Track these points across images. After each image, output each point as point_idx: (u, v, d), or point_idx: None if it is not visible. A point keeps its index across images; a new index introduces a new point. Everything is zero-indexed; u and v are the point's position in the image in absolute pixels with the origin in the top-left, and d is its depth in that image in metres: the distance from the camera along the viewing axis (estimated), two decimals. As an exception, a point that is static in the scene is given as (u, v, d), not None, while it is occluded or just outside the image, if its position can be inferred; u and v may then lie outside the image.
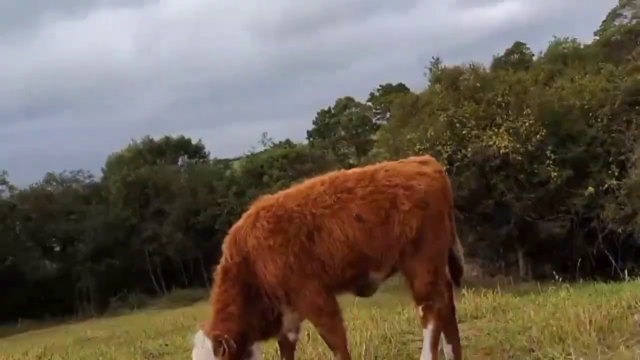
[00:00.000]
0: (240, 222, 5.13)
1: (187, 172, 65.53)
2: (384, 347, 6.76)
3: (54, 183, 64.41)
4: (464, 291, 10.62)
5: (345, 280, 5.13)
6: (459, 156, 35.83)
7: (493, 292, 10.14)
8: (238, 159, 67.85)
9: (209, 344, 4.76)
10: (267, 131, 66.42)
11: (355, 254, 4.99)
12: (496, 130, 35.71)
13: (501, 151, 35.11)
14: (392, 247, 5.07)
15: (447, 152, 35.41)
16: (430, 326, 5.18)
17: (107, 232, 56.63)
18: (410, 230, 5.04)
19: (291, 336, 5.46)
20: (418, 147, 35.00)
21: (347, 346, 5.34)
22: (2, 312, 47.85)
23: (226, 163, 68.81)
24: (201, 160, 68.37)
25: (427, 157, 5.60)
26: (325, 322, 5.16)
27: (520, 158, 35.35)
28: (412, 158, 5.62)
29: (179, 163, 68.54)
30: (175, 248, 54.88)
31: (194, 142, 68.18)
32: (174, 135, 68.05)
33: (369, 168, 5.36)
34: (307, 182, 5.31)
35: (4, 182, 60.15)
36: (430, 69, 43.61)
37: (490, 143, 35.24)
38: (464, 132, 36.20)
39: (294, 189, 5.31)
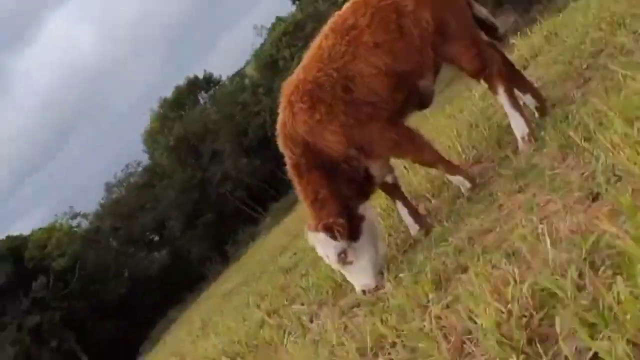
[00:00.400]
0: (280, 118, 5.08)
1: (212, 104, 65.56)
2: (475, 133, 6.72)
3: (115, 189, 66.17)
4: (512, 40, 10.39)
5: (401, 104, 5.07)
6: None
7: (538, 24, 9.83)
8: (247, 65, 67.14)
9: (322, 236, 4.79)
10: (255, 24, 65.17)
11: (394, 77, 4.92)
12: None
13: None
14: (421, 48, 4.98)
15: None
16: (500, 90, 5.13)
17: (185, 199, 58.15)
18: (427, 24, 4.94)
19: (389, 179, 5.47)
20: None
21: (441, 156, 5.34)
22: (151, 315, 50.67)
23: (239, 74, 68.36)
24: (216, 87, 68.24)
25: None
26: (408, 149, 5.16)
27: None
28: None
29: (201, 102, 68.66)
30: (247, 173, 55.87)
31: (200, 76, 68.03)
32: (181, 82, 68.05)
33: None
34: (313, 44, 5.18)
35: (76, 215, 62.13)
36: None
37: None
38: None
39: (306, 58, 5.19)
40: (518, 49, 9.17)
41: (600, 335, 2.29)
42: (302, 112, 4.92)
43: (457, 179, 5.32)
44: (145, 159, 67.95)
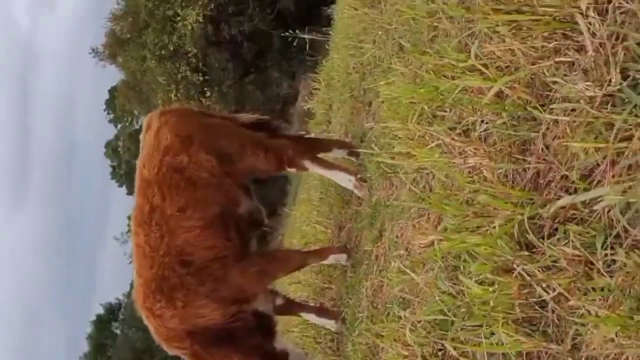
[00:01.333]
0: (151, 329, 4.88)
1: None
2: (325, 206, 6.79)
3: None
4: (308, 105, 10.72)
5: (238, 239, 5.02)
6: None
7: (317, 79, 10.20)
8: None
9: None
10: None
11: (214, 223, 4.89)
12: None
13: None
14: (219, 183, 4.95)
15: None
16: (307, 163, 5.19)
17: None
18: (208, 161, 4.89)
19: (279, 301, 5.37)
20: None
21: (304, 251, 5.38)
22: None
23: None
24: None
25: None
26: (275, 269, 5.16)
27: None
28: None
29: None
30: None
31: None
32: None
33: None
34: (133, 247, 5.06)
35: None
36: None
37: None
38: None
39: (135, 263, 5.03)
40: (315, 111, 9.47)
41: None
42: (164, 309, 4.74)
43: (333, 259, 5.33)
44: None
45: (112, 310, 64.12)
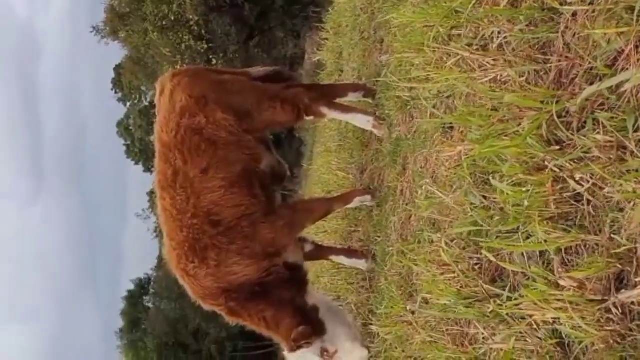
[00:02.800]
0: (187, 288, 4.97)
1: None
2: (343, 152, 6.81)
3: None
4: (317, 57, 10.66)
5: (263, 195, 5.03)
6: None
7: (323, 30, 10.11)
8: None
9: (299, 352, 4.76)
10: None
11: (239, 182, 4.87)
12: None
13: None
14: (238, 140, 4.91)
15: None
16: (324, 110, 5.15)
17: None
18: (225, 120, 4.85)
19: (308, 248, 5.43)
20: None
21: (328, 199, 5.40)
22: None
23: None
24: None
25: None
26: (301, 220, 5.16)
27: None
28: None
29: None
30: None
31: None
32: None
33: None
34: (160, 211, 5.11)
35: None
36: None
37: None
38: None
39: (162, 227, 5.07)
40: (325, 61, 9.43)
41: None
42: (198, 269, 4.80)
43: (357, 201, 5.37)
44: None
45: (142, 285, 65.03)
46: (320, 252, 5.56)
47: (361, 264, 5.45)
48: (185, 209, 4.76)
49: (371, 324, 4.70)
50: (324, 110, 5.18)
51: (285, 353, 4.83)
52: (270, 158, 5.10)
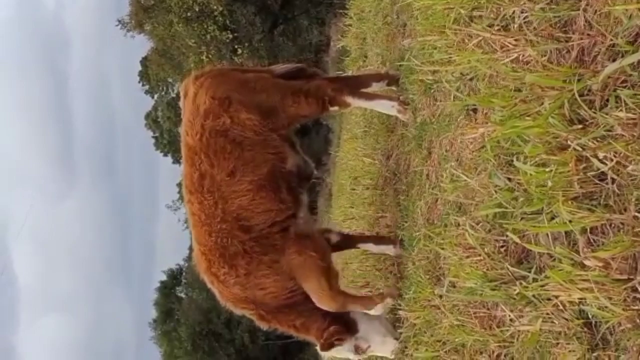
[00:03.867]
0: (215, 291, 4.91)
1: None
2: (369, 138, 6.81)
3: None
4: (340, 44, 10.64)
5: (291, 197, 4.96)
6: None
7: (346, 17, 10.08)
8: None
9: (333, 350, 4.80)
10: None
11: (267, 184, 4.81)
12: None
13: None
14: (263, 140, 4.87)
15: None
16: (348, 99, 5.08)
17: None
18: (250, 120, 4.77)
19: (334, 238, 5.41)
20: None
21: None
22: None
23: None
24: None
25: None
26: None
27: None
28: None
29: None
30: None
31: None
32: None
33: None
34: (189, 214, 5.10)
35: None
36: None
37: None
38: None
39: (192, 230, 5.06)
40: (349, 47, 9.40)
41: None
42: (227, 275, 4.80)
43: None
44: None
45: (174, 276, 65.66)
46: (347, 241, 5.55)
47: (389, 249, 5.45)
48: (214, 214, 4.74)
49: (400, 309, 4.68)
50: (349, 99, 5.16)
51: (319, 351, 4.88)
52: (295, 158, 5.03)
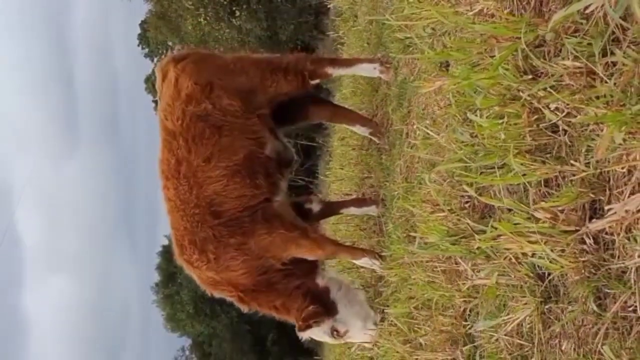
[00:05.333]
0: (194, 277, 4.93)
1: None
2: (356, 98, 6.77)
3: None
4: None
5: (268, 184, 4.90)
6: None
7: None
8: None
9: (310, 331, 4.75)
10: None
11: (243, 169, 4.72)
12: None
13: None
14: (243, 124, 4.76)
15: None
16: (328, 69, 4.99)
17: None
18: (231, 105, 4.71)
19: (315, 208, 5.39)
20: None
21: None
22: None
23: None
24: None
25: None
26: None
27: None
28: None
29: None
30: None
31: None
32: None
33: None
34: (164, 199, 5.07)
35: None
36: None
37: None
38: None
39: (169, 215, 5.04)
40: (340, 7, 9.31)
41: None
42: (199, 261, 4.76)
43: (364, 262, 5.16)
44: None
45: (176, 240, 65.82)
46: (329, 209, 5.57)
47: (372, 210, 5.45)
48: (189, 199, 4.69)
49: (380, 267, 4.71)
50: (329, 70, 5.07)
51: (298, 332, 4.84)
52: (275, 143, 4.95)
